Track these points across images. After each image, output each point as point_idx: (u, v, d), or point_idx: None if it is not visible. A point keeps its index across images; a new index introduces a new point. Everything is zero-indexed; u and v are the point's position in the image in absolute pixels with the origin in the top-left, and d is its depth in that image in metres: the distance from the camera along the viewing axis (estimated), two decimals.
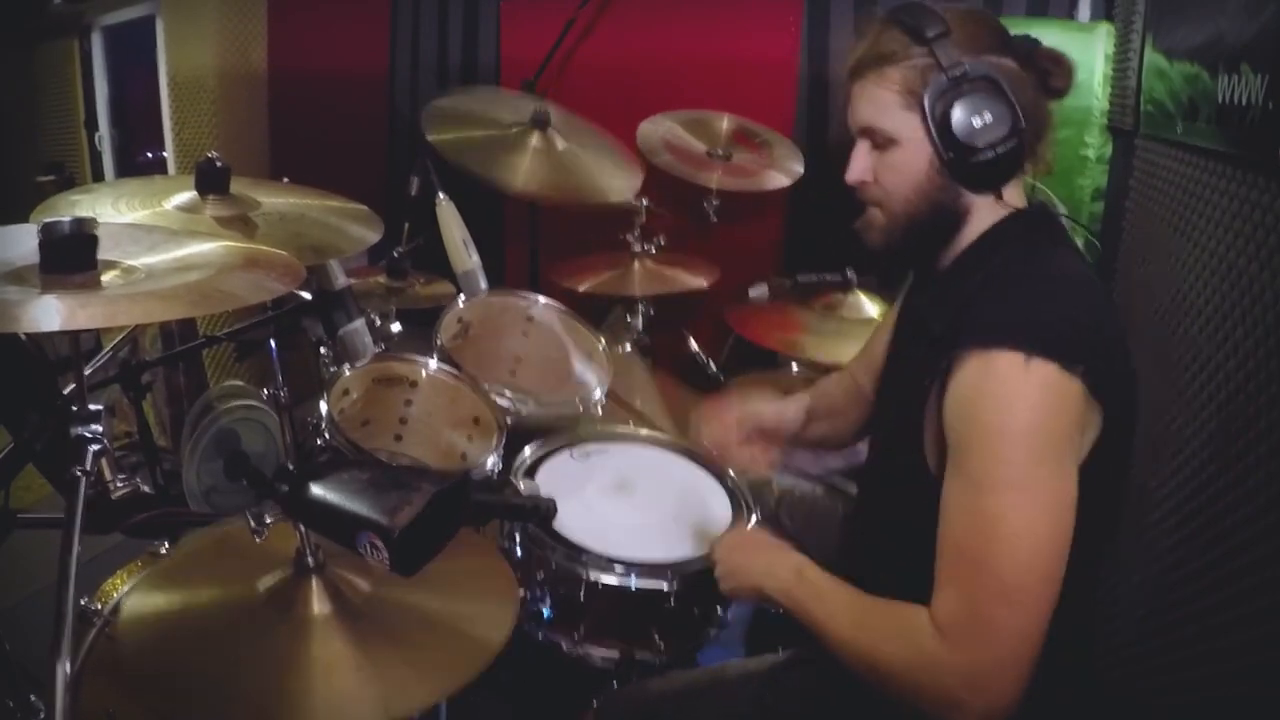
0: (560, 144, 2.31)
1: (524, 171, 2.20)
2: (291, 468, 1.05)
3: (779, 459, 1.59)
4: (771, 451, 1.56)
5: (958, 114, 1.09)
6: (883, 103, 1.14)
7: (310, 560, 1.19)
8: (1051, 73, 1.14)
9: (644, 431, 1.85)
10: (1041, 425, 0.99)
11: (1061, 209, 1.22)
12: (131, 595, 1.16)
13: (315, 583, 1.18)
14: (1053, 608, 0.98)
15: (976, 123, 1.08)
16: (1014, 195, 1.17)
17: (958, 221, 1.17)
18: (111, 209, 1.33)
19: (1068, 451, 1.01)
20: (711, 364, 2.36)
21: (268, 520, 1.16)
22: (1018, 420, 0.99)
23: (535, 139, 2.28)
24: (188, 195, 1.41)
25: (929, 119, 1.10)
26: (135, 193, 1.40)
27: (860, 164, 1.19)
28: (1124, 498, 1.20)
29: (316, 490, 1.02)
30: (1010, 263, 1.12)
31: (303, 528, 1.17)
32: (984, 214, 1.17)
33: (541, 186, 2.19)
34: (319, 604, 1.17)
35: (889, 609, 1.07)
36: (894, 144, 1.15)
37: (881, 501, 1.29)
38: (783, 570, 1.19)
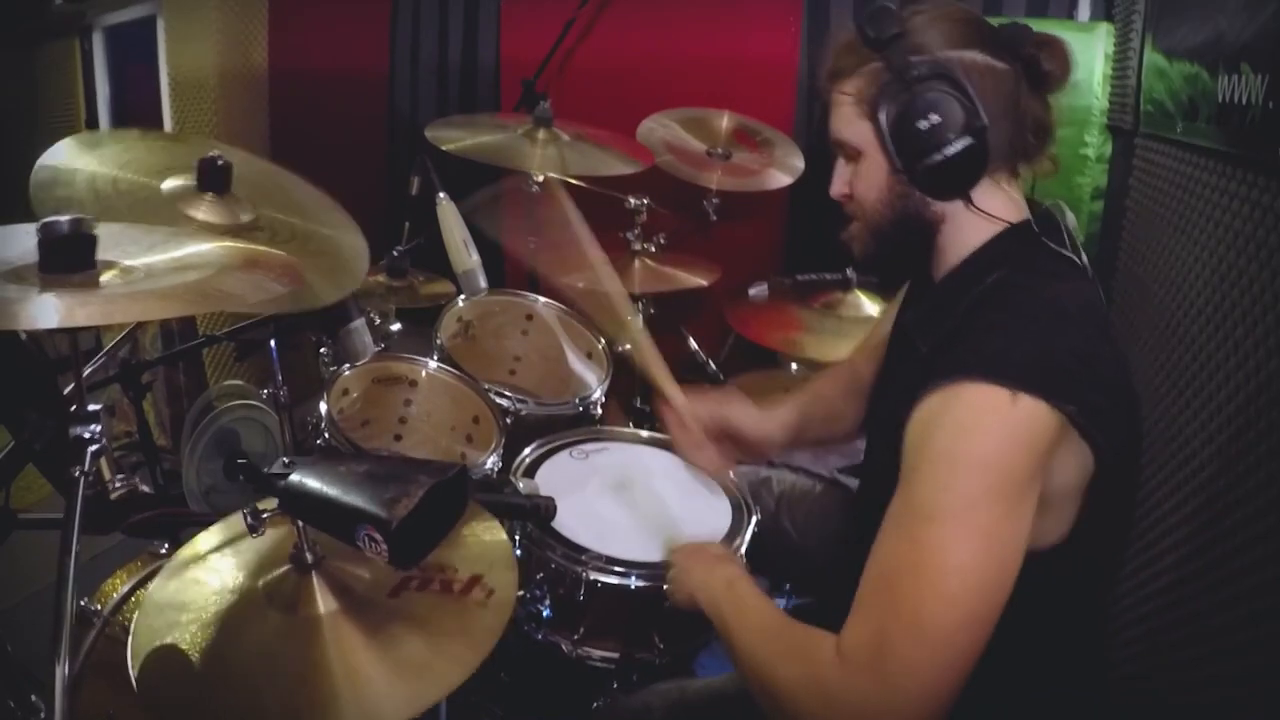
0: (566, 136, 2.34)
1: (538, 160, 2.24)
2: (289, 462, 1.04)
3: (733, 464, 1.52)
4: (729, 454, 1.49)
5: (903, 117, 1.04)
6: (844, 114, 1.12)
7: (309, 557, 1.18)
8: (1040, 60, 1.07)
9: (644, 432, 1.85)
10: (1001, 459, 0.92)
11: (1070, 217, 1.14)
12: (134, 608, 1.14)
13: (316, 579, 1.18)
14: (976, 656, 0.89)
15: (923, 125, 1.03)
16: (1001, 202, 1.10)
17: (929, 231, 1.12)
18: (115, 169, 1.33)
19: (1029, 493, 0.93)
20: (711, 363, 2.36)
21: (264, 516, 1.16)
22: (975, 448, 0.92)
23: (541, 134, 2.31)
24: (186, 182, 1.40)
25: (879, 125, 1.07)
26: (141, 157, 1.40)
27: (838, 177, 1.18)
28: (1130, 520, 1.16)
29: (313, 484, 1.00)
30: (1002, 288, 1.05)
31: (300, 523, 1.16)
32: (968, 224, 1.11)
33: (557, 168, 2.24)
34: (323, 601, 1.15)
35: (801, 630, 1.00)
36: (860, 155, 1.12)
37: (873, 519, 1.27)
38: (715, 580, 1.15)
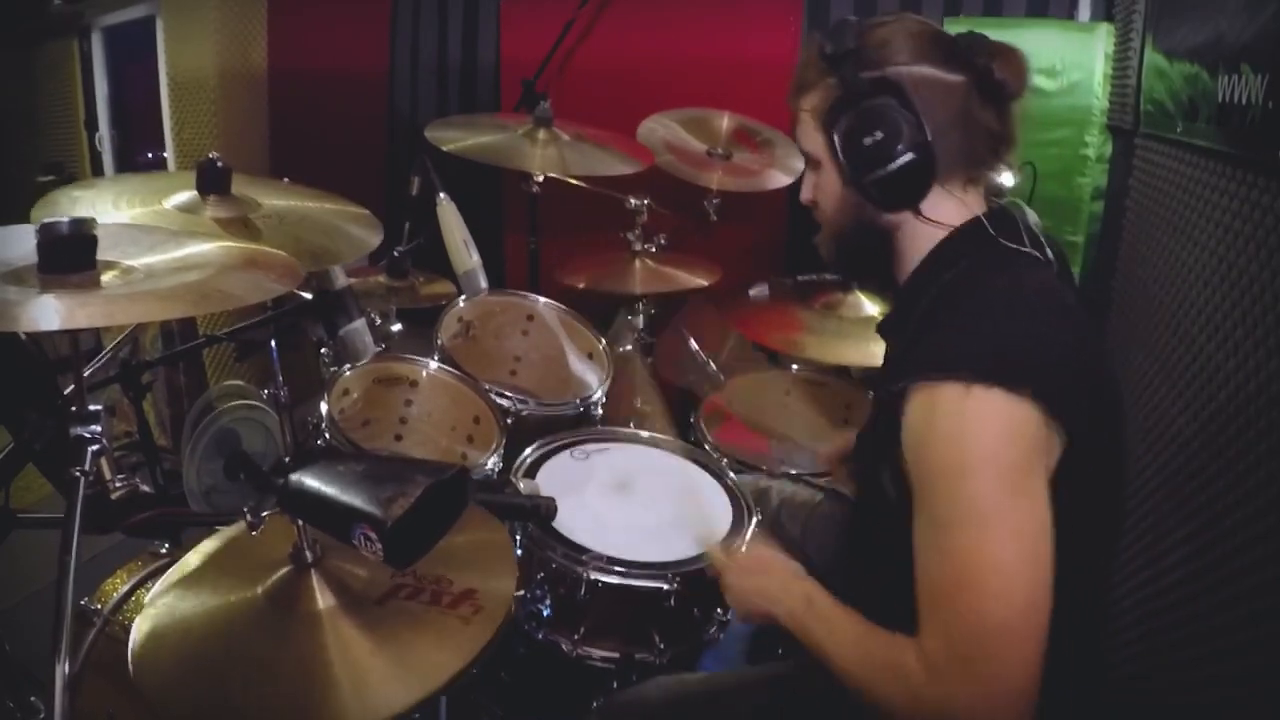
0: (566, 136, 2.34)
1: (538, 159, 2.24)
2: (288, 461, 1.04)
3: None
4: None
5: (851, 132, 1.09)
6: (804, 126, 1.19)
7: (308, 555, 1.18)
8: (993, 70, 1.09)
9: (644, 432, 1.85)
10: (996, 454, 0.95)
11: (1031, 214, 1.16)
12: (134, 608, 1.14)
13: (315, 577, 1.18)
14: (1045, 636, 0.93)
15: (868, 140, 1.07)
16: (953, 209, 1.12)
17: (883, 239, 1.17)
18: (112, 206, 1.34)
19: (1031, 476, 0.96)
20: (711, 363, 2.36)
21: (264, 515, 1.15)
22: (970, 453, 0.96)
23: (542, 134, 2.31)
24: (188, 195, 1.41)
25: (831, 139, 1.12)
26: (135, 190, 1.41)
27: (806, 185, 1.24)
28: (1121, 507, 1.17)
29: (311, 482, 1.00)
30: (954, 286, 1.08)
31: (300, 522, 1.16)
32: (921, 231, 1.14)
33: (557, 168, 2.25)
34: (322, 598, 1.16)
35: (889, 644, 1.02)
36: (819, 165, 1.18)
37: (865, 518, 1.29)
38: (792, 598, 1.15)
